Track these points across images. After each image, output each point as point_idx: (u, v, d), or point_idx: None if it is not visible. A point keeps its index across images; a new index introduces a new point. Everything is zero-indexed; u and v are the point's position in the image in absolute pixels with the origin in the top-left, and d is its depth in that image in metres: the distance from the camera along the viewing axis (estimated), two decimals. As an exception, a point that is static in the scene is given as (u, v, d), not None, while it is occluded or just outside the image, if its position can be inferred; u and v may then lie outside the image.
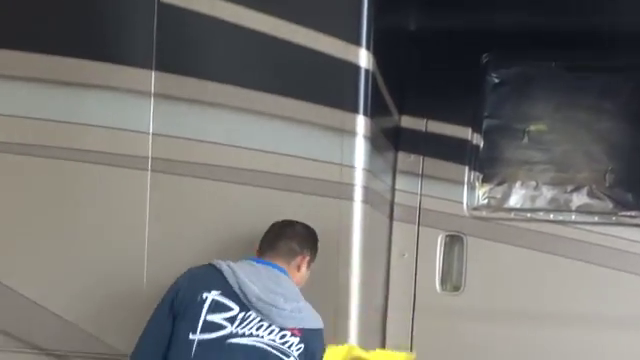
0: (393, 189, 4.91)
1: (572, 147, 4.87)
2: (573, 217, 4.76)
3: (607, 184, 4.79)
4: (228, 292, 3.99)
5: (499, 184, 4.90)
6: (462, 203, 4.83)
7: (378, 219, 4.75)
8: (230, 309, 3.96)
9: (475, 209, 4.84)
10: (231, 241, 4.59)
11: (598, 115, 4.85)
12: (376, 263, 4.77)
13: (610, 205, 4.75)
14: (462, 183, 4.84)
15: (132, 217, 4.68)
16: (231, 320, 3.94)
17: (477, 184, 4.87)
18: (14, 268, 4.84)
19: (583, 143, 4.86)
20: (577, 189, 4.80)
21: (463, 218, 4.83)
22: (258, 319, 3.95)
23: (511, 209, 4.85)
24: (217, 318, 3.94)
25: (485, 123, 4.92)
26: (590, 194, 4.78)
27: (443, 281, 4.85)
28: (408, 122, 4.96)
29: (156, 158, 4.64)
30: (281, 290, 4.01)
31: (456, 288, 4.83)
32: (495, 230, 4.80)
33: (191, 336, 3.91)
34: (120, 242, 4.71)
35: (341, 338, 4.42)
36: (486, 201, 4.88)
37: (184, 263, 4.55)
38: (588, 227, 4.73)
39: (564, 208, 4.79)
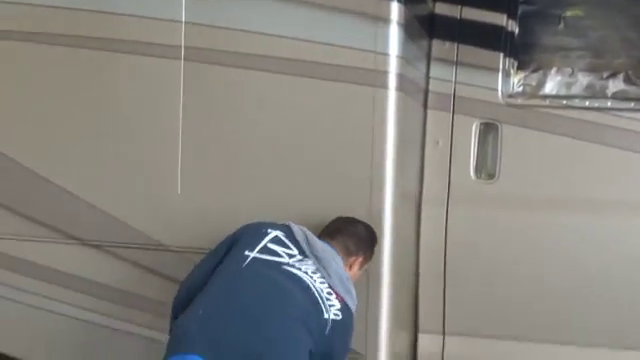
0: (427, 77, 4.86)
1: (608, 33, 4.79)
2: (609, 104, 4.70)
3: (643, 70, 4.73)
4: (293, 239, 4.05)
5: (534, 71, 4.83)
6: (497, 90, 4.77)
7: (412, 107, 4.72)
8: (290, 248, 4.01)
9: (510, 96, 4.78)
10: (265, 129, 4.60)
11: (635, -1, 4.77)
12: (410, 151, 4.75)
13: (646, 91, 4.70)
14: (497, 70, 4.77)
15: (165, 107, 4.68)
16: (289, 255, 3.97)
17: (512, 71, 4.80)
18: (49, 160, 4.88)
19: (619, 28, 4.78)
20: (613, 75, 4.73)
21: (498, 106, 4.78)
22: (315, 267, 3.97)
23: (546, 96, 4.79)
24: (277, 248, 3.98)
25: (520, 9, 4.83)
26: (626, 80, 4.71)
27: (477, 169, 4.82)
28: (442, 9, 4.88)
29: (189, 47, 4.61)
30: (337, 262, 4.07)
31: (490, 176, 4.81)
32: (530, 117, 4.75)
33: (247, 252, 3.94)
34: (153, 132, 4.73)
35: (376, 224, 4.45)
36: (521, 88, 4.82)
37: (217, 152, 4.59)
38: (624, 113, 4.67)
39: (600, 95, 4.72)
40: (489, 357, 4.87)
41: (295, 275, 3.90)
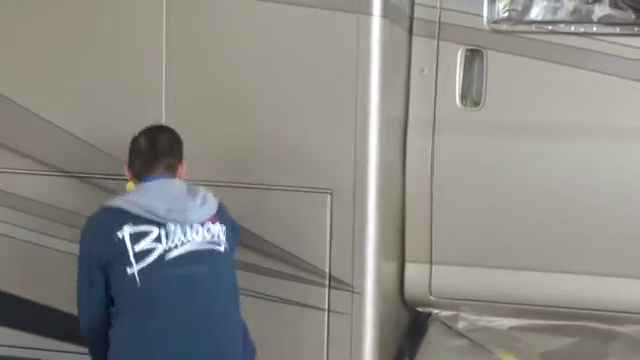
0: (412, 3, 4.80)
1: (594, -44, 4.77)
2: (594, 29, 4.66)
3: (629, -6, 4.70)
4: (139, 220, 3.95)
5: (520, -4, 4.81)
6: (482, 16, 4.73)
7: (397, 34, 4.69)
8: (150, 232, 3.94)
9: (495, 22, 4.74)
10: (248, 57, 4.59)
11: None
12: (395, 79, 4.73)
13: (632, 16, 4.65)
14: (482, -4, 4.75)
15: (148, 30, 4.69)
16: (157, 239, 3.93)
17: (497, -3, 4.78)
18: (34, 92, 4.88)
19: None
20: (599, 0, 4.72)
21: (483, 32, 4.73)
22: (180, 228, 3.94)
23: (532, 22, 4.74)
24: (144, 245, 3.92)
25: None
26: (612, 4, 4.66)
27: (463, 96, 4.79)
28: None
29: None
30: (178, 192, 4.02)
31: (476, 103, 4.79)
32: (515, 43, 4.71)
33: (129, 271, 3.90)
34: (137, 59, 4.74)
35: (361, 153, 4.48)
36: (506, 14, 4.77)
37: (202, 78, 4.55)
38: (610, 38, 4.64)
39: (585, 19, 4.68)
40: (476, 286, 4.87)
41: (178, 256, 3.92)
